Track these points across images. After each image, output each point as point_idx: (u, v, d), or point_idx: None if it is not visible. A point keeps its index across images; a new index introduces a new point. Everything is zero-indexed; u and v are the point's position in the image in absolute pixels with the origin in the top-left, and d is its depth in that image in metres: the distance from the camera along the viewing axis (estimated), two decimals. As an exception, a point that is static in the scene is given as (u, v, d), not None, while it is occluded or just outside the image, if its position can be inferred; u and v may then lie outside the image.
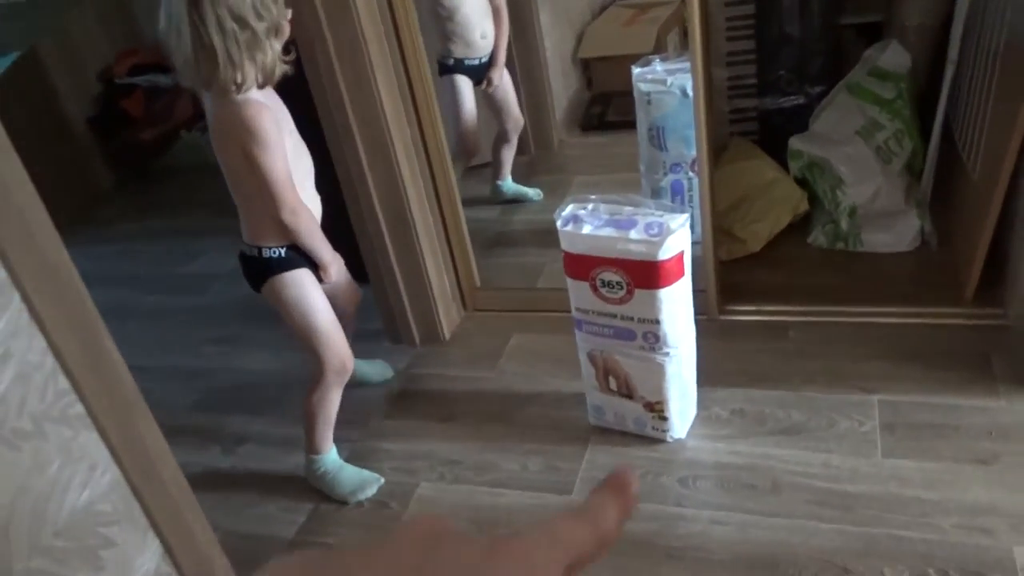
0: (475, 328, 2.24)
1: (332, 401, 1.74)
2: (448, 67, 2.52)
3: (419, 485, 1.78)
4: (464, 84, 2.54)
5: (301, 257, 1.63)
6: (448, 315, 2.21)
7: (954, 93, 2.09)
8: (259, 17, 1.38)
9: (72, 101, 3.55)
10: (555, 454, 1.77)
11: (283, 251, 1.61)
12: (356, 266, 2.16)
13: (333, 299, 1.76)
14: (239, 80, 1.41)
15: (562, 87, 3.18)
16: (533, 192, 2.78)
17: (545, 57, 2.93)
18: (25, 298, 1.12)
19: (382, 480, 1.80)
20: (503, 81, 2.59)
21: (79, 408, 1.23)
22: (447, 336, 2.20)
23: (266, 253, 1.61)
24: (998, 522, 1.41)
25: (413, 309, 2.17)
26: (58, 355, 1.19)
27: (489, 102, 2.64)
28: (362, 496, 1.77)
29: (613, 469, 0.34)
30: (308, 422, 1.76)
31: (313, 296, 1.65)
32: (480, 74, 2.55)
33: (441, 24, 2.46)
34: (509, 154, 2.74)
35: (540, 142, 3.03)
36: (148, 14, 3.72)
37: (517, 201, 2.77)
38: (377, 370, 2.12)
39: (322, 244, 1.63)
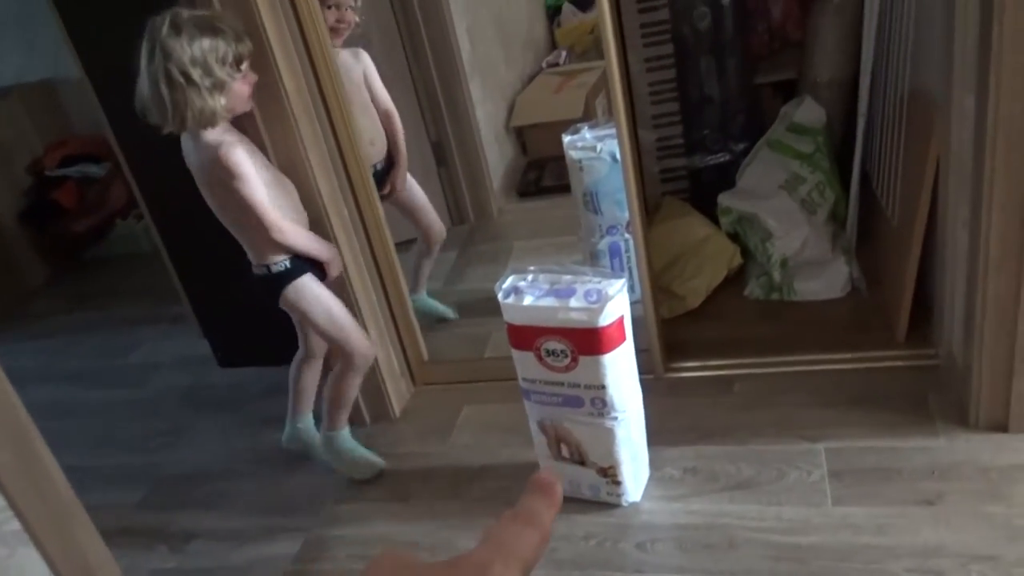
0: (425, 403, 2.23)
1: (355, 387, 1.97)
2: None
3: (376, 570, 1.74)
4: None
5: (304, 263, 1.82)
6: (397, 391, 2.20)
7: (868, 144, 2.20)
8: (205, 74, 1.59)
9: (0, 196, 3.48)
10: (512, 526, 1.75)
11: (288, 262, 1.80)
12: (301, 348, 2.15)
13: None
14: (179, 122, 1.61)
15: (498, 155, 3.24)
16: (446, 310, 2.54)
17: (478, 128, 3.00)
18: (-47, 417, 1.08)
19: (382, 464, 1.99)
20: (409, 188, 2.37)
21: (15, 524, 1.19)
22: (397, 413, 2.19)
23: (275, 268, 1.79)
24: (948, 563, 1.44)
25: (362, 388, 2.15)
26: (-10, 471, 1.15)
27: (401, 210, 2.39)
28: (359, 476, 1.99)
29: (536, 475, 0.37)
30: (331, 405, 1.97)
31: (325, 294, 1.85)
32: (379, 182, 2.25)
33: None
34: (427, 266, 2.52)
35: (478, 211, 3.07)
36: (76, 105, 3.71)
37: (430, 316, 2.51)
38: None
39: (318, 244, 1.83)
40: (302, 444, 2.09)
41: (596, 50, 3.70)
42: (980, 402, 1.67)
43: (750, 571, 1.52)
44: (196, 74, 1.57)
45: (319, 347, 2.00)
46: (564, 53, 3.87)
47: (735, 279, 2.32)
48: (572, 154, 2.25)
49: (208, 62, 1.58)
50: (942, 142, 1.69)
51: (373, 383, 2.14)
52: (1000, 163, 1.46)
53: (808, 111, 2.35)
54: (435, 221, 2.46)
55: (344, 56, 2.18)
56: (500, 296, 1.64)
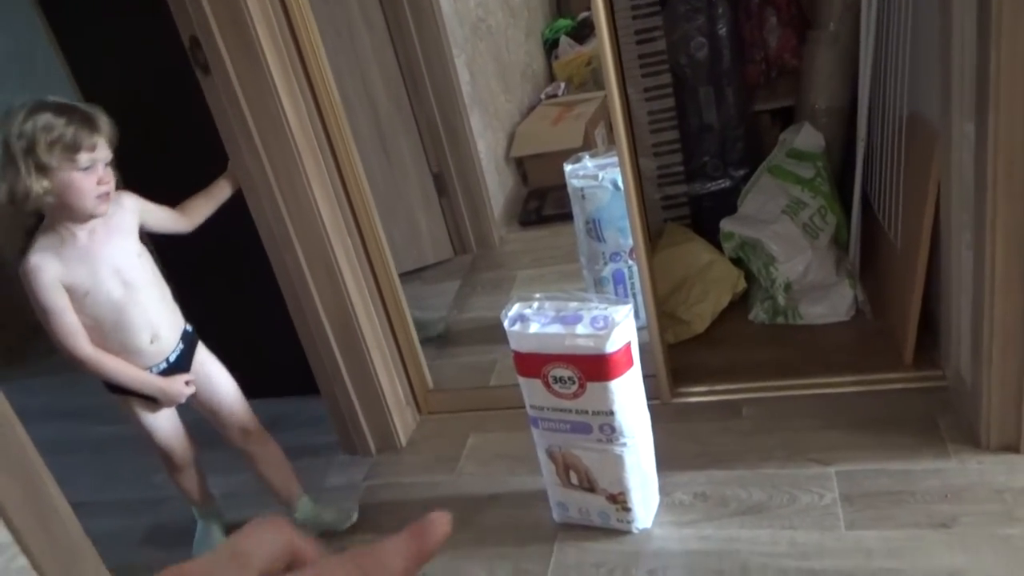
0: (431, 432, 2.22)
1: None
2: None
3: (385, 603, 1.72)
4: None
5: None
6: (403, 421, 2.19)
7: (868, 168, 2.21)
8: (27, 152, 1.46)
9: (3, 233, 3.49)
10: (522, 556, 1.74)
11: None
12: (305, 378, 2.14)
13: None
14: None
15: (498, 186, 3.26)
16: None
17: (479, 158, 3.02)
18: (-37, 451, 1.08)
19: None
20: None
21: (22, 561, 1.17)
22: (403, 442, 2.18)
23: None
24: (964, 585, 1.43)
25: (367, 418, 2.15)
26: (-2, 506, 1.14)
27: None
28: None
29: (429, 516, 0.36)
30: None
31: None
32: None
33: None
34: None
35: (480, 240, 3.08)
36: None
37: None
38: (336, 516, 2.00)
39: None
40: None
41: (594, 81, 3.75)
42: (990, 423, 1.67)
43: (764, 598, 1.51)
44: (18, 147, 1.45)
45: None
46: (562, 85, 3.90)
47: (739, 304, 2.32)
48: (574, 183, 2.26)
49: (35, 139, 1.44)
50: (943, 166, 1.70)
51: (378, 412, 2.13)
52: (1002, 188, 1.47)
53: (807, 137, 2.37)
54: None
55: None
56: (506, 324, 1.64)
